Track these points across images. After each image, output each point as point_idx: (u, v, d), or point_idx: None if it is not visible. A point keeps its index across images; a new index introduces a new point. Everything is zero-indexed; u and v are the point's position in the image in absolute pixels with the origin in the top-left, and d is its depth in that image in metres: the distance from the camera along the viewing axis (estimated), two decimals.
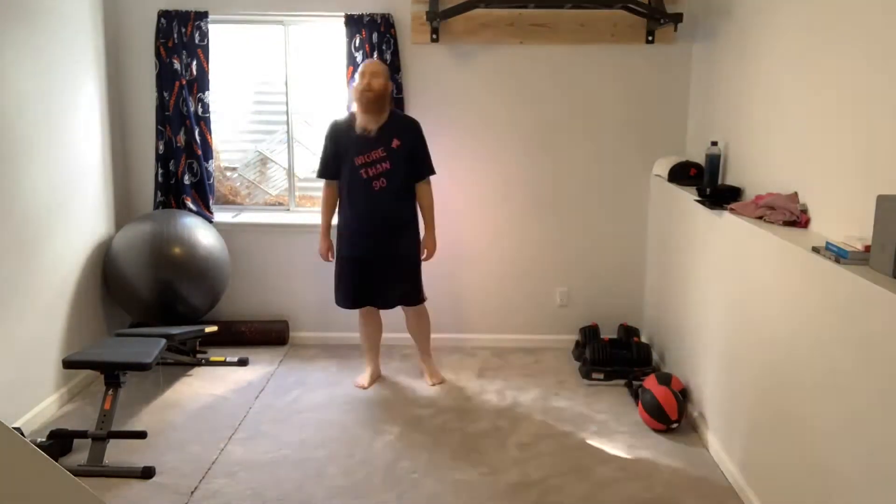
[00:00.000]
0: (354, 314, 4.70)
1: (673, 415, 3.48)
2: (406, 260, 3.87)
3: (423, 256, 3.94)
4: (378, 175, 3.71)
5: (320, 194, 4.78)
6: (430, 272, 4.31)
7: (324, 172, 3.88)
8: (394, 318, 4.51)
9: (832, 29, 2.66)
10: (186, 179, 4.43)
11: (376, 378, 4.12)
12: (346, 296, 3.92)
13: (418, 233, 3.92)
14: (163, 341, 3.57)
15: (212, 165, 4.52)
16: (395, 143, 3.71)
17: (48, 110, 3.67)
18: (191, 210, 4.41)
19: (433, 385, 4.03)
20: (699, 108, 4.20)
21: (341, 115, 3.89)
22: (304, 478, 3.14)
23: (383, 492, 3.04)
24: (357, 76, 3.72)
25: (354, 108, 3.75)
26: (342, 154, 3.77)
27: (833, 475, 2.23)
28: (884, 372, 1.96)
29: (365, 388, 4.00)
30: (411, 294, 3.93)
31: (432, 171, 3.87)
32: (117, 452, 3.24)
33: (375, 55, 4.27)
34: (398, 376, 4.21)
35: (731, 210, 3.11)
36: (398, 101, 4.34)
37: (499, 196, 4.55)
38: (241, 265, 4.60)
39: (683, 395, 3.70)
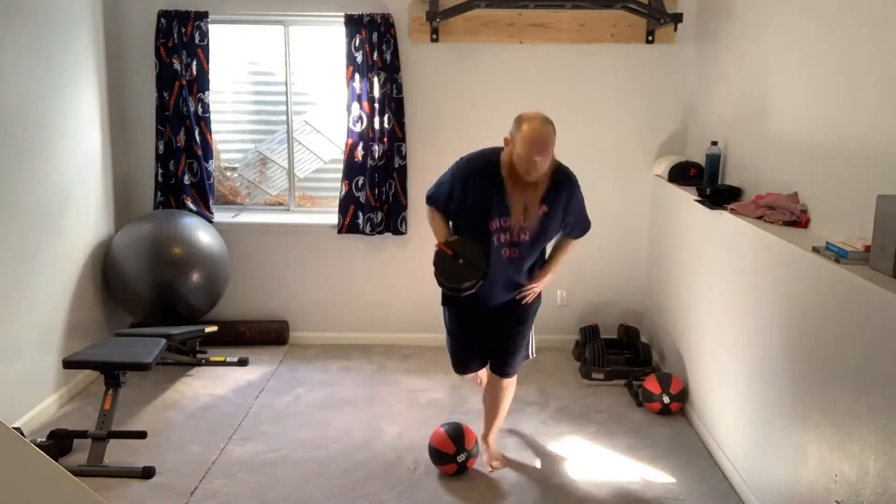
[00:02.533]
0: (355, 315, 4.72)
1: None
2: (522, 323, 3.10)
3: (532, 286, 3.04)
4: (512, 244, 2.88)
5: (320, 194, 4.82)
6: (431, 274, 4.31)
7: (436, 202, 3.01)
8: (395, 318, 4.53)
9: (832, 29, 2.66)
10: (186, 179, 4.43)
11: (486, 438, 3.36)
12: (462, 360, 3.20)
13: (541, 298, 3.16)
14: (163, 341, 3.57)
15: (212, 165, 4.52)
16: (543, 209, 2.83)
17: (48, 110, 3.67)
18: (191, 210, 4.41)
19: (492, 471, 3.23)
20: (699, 108, 4.20)
21: (483, 154, 2.91)
22: (304, 478, 3.14)
23: (383, 492, 3.04)
24: (517, 138, 2.71)
25: (504, 159, 2.82)
26: (473, 209, 2.87)
27: (833, 474, 2.23)
28: (884, 372, 1.96)
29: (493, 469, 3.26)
30: (517, 354, 3.15)
31: (587, 228, 3.05)
32: (117, 452, 3.24)
33: (375, 55, 4.27)
34: (398, 376, 4.21)
35: (731, 210, 3.11)
36: (398, 101, 4.34)
37: None
38: (241, 265, 4.60)
39: (683, 395, 3.71)
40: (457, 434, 3.18)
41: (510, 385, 3.25)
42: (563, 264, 3.14)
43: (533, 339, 3.22)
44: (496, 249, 2.88)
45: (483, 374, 3.39)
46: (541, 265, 3.07)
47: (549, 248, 3.13)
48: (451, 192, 2.92)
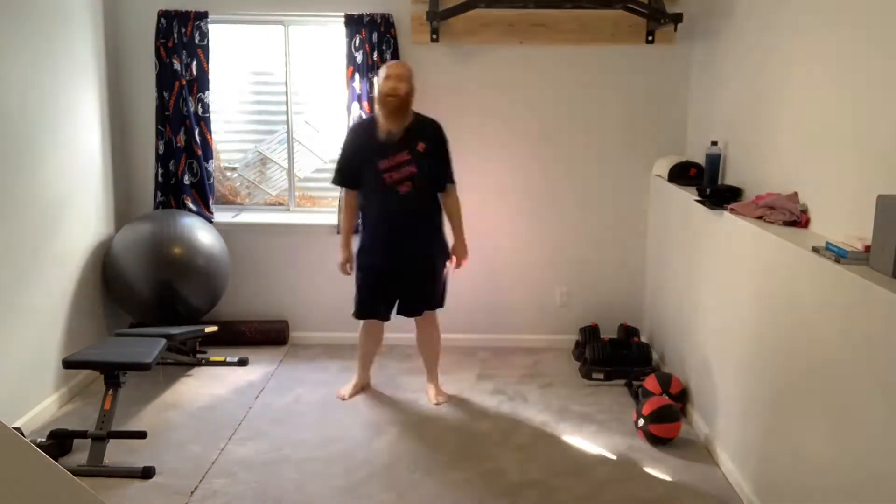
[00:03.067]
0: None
1: None
2: (432, 264, 3.71)
3: (454, 265, 3.80)
4: (403, 179, 3.53)
5: (320, 194, 4.82)
6: None
7: (341, 180, 3.72)
8: (395, 318, 4.50)
9: (832, 29, 2.66)
10: (186, 179, 4.43)
11: (360, 390, 3.98)
12: (368, 308, 3.76)
13: (445, 239, 3.78)
14: (163, 341, 3.57)
15: (212, 165, 4.52)
16: (421, 146, 3.55)
17: (48, 110, 3.67)
18: (191, 210, 4.41)
19: (438, 404, 3.84)
20: (699, 108, 4.20)
21: (361, 119, 3.66)
22: (304, 478, 3.14)
23: (383, 492, 3.04)
24: (380, 78, 3.54)
25: (376, 111, 3.58)
26: (364, 160, 3.58)
27: (833, 474, 2.23)
28: (884, 372, 1.96)
29: (345, 400, 3.86)
30: (433, 298, 3.76)
31: (451, 180, 3.71)
32: (117, 452, 3.24)
33: (375, 55, 4.27)
34: (398, 376, 4.21)
35: (731, 210, 3.11)
36: None
37: (499, 196, 4.54)
38: (241, 265, 4.60)
39: (683, 395, 3.71)
40: None
41: (432, 323, 3.84)
42: (461, 218, 3.76)
43: (446, 291, 3.82)
44: (392, 188, 3.53)
45: (346, 389, 3.93)
46: (437, 209, 3.70)
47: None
48: (347, 159, 3.66)
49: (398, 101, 3.49)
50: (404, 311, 3.78)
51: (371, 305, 3.75)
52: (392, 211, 3.58)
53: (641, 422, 3.42)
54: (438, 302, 3.80)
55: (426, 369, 3.98)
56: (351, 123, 3.70)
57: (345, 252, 3.76)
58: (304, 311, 4.70)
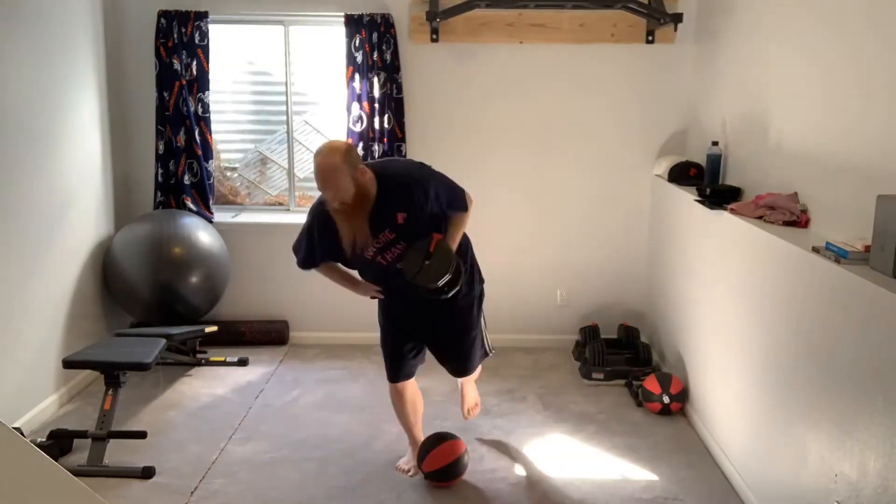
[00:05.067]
0: (355, 315, 4.71)
1: None
2: (463, 318, 3.12)
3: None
4: (398, 258, 2.86)
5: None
6: None
7: (308, 263, 3.04)
8: None
9: (833, 27, 2.66)
10: (186, 179, 4.43)
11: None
12: (398, 364, 3.14)
13: (473, 273, 3.19)
14: (163, 341, 3.57)
15: (212, 165, 4.52)
16: (400, 217, 2.79)
17: (48, 111, 3.67)
18: (191, 210, 4.41)
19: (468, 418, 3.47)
20: (699, 108, 4.20)
21: (321, 206, 2.87)
22: (304, 478, 3.14)
23: (383, 492, 3.04)
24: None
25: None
26: (343, 254, 2.92)
27: (833, 474, 2.23)
28: (884, 371, 1.96)
29: (412, 476, 3.20)
30: (468, 362, 3.21)
31: (459, 208, 2.97)
32: (117, 452, 3.24)
33: (375, 55, 4.27)
34: None
35: (731, 210, 3.11)
36: (398, 101, 4.34)
37: (499, 196, 4.54)
38: (241, 265, 4.60)
39: (683, 395, 3.71)
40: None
41: (471, 377, 3.35)
42: (458, 233, 3.03)
43: (486, 336, 3.27)
44: (389, 268, 2.88)
45: (407, 461, 3.26)
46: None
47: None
48: (315, 246, 2.94)
49: (349, 210, 2.74)
50: (454, 373, 3.27)
51: (398, 360, 3.13)
52: (402, 289, 2.93)
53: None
54: (475, 364, 3.24)
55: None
56: (313, 205, 2.96)
57: (360, 285, 3.09)
58: (304, 311, 4.70)
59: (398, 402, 3.20)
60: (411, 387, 3.21)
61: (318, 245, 2.94)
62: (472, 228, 4.73)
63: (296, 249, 3.05)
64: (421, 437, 3.26)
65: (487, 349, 3.27)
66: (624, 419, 3.68)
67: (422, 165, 2.95)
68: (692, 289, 3.69)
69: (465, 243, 3.13)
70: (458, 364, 3.21)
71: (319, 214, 2.87)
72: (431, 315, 3.04)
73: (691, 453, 3.35)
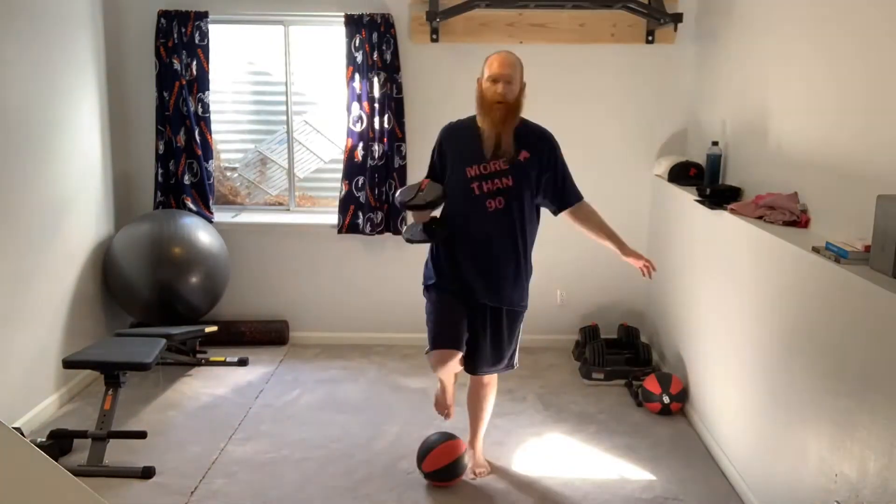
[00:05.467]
0: (355, 315, 4.71)
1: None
2: (508, 311, 3.00)
3: (645, 274, 3.08)
4: (494, 193, 2.83)
5: (320, 194, 4.82)
6: None
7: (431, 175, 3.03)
8: (395, 318, 4.52)
9: (832, 29, 2.66)
10: (186, 179, 4.43)
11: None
12: (446, 334, 2.92)
13: (527, 284, 3.09)
14: (163, 341, 3.57)
15: (212, 165, 4.52)
16: (524, 154, 2.85)
17: (48, 111, 3.67)
18: (191, 210, 4.41)
19: (475, 478, 3.16)
20: (699, 108, 4.20)
21: (458, 120, 3.06)
22: (304, 478, 3.14)
23: (383, 492, 3.04)
24: (485, 71, 2.87)
25: (476, 111, 2.96)
26: (452, 163, 2.93)
27: (833, 474, 2.23)
28: (884, 371, 1.96)
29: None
30: (499, 359, 3.04)
31: (577, 197, 3.03)
32: (117, 452, 3.24)
33: (375, 55, 4.27)
34: (398, 376, 4.21)
35: (731, 210, 3.11)
36: (398, 101, 4.34)
37: None
38: (241, 265, 4.60)
39: (683, 395, 3.71)
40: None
41: (490, 385, 3.14)
42: (613, 231, 3.16)
43: (517, 350, 3.11)
44: (479, 200, 2.84)
45: (450, 396, 3.15)
46: (529, 241, 3.01)
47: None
48: (434, 164, 3.03)
49: (505, 111, 2.84)
50: (465, 363, 3.02)
51: (447, 330, 2.93)
52: (474, 229, 2.88)
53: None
54: (507, 364, 3.07)
55: (470, 429, 3.24)
56: (445, 126, 3.08)
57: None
58: (304, 311, 4.70)
59: (438, 368, 2.94)
60: (452, 358, 2.91)
61: (438, 157, 3.02)
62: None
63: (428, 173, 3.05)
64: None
65: (515, 361, 3.11)
66: (624, 419, 3.68)
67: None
68: (692, 289, 3.69)
69: (531, 246, 3.08)
70: (491, 356, 3.00)
71: (450, 128, 3.04)
72: (484, 313, 2.95)
73: (691, 453, 3.35)
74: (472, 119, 2.98)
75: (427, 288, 3.02)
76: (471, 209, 2.87)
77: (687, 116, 4.40)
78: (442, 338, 2.93)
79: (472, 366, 3.04)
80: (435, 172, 3.02)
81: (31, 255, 3.55)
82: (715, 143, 3.67)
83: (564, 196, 3.00)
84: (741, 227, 2.99)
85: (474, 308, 2.94)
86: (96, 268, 4.15)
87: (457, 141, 2.96)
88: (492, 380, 3.15)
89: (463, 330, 2.93)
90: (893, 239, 2.02)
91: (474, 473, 3.17)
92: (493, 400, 3.20)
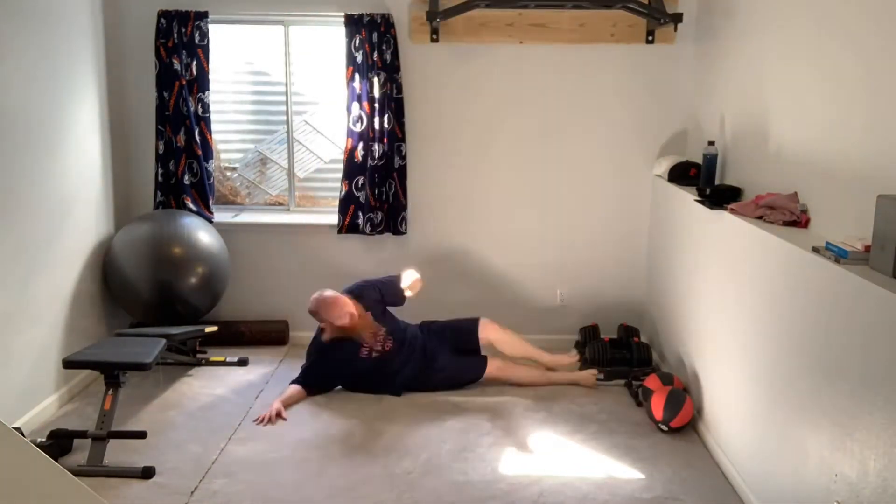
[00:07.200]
0: None
1: None
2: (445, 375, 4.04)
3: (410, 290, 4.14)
4: (382, 344, 3.98)
5: (320, 194, 4.82)
6: (431, 273, 4.32)
7: (314, 390, 3.96)
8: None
9: (832, 29, 2.66)
10: (186, 179, 4.43)
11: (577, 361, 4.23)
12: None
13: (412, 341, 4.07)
14: (163, 341, 3.57)
15: (212, 165, 4.52)
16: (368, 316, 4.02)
17: (48, 111, 3.67)
18: (191, 210, 4.41)
19: (600, 378, 4.07)
20: (699, 108, 4.20)
21: (321, 337, 3.99)
22: (304, 478, 3.14)
23: (383, 492, 3.04)
24: (327, 322, 3.93)
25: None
26: (351, 364, 3.98)
27: (833, 474, 2.23)
28: (884, 371, 1.96)
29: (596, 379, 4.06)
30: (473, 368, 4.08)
31: (399, 298, 4.15)
32: (117, 452, 3.23)
33: (375, 55, 4.27)
34: None
35: (731, 210, 3.11)
36: (398, 101, 4.34)
37: (499, 196, 4.54)
38: (241, 265, 4.60)
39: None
40: None
41: (491, 328, 4.16)
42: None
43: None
44: (375, 362, 3.94)
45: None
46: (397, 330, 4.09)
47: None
48: (321, 375, 3.97)
49: (359, 322, 3.93)
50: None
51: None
52: (383, 380, 3.98)
53: (665, 428, 3.51)
54: (480, 370, 4.05)
55: (538, 360, 4.15)
56: (315, 342, 4.06)
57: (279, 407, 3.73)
58: (304, 311, 4.68)
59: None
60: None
61: (332, 370, 3.97)
62: (472, 227, 4.72)
63: (306, 377, 3.97)
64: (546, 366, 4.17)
65: (482, 356, 4.14)
66: (624, 419, 3.68)
67: (363, 282, 4.18)
68: (692, 289, 3.69)
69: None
70: (461, 369, 4.12)
71: (328, 344, 3.95)
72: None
73: (691, 453, 3.35)
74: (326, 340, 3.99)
75: None
76: (371, 370, 4.00)
77: (687, 116, 4.40)
78: None
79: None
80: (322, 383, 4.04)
81: (31, 254, 3.55)
82: (711, 143, 3.67)
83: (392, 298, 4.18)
84: (741, 227, 2.99)
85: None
86: (96, 268, 4.15)
87: (335, 357, 3.99)
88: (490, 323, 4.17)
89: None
90: (893, 239, 2.02)
91: (594, 379, 4.03)
92: (507, 331, 4.16)
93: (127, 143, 4.51)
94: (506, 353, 4.09)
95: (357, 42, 4.29)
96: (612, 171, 4.50)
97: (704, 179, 3.68)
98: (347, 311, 3.86)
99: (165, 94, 4.34)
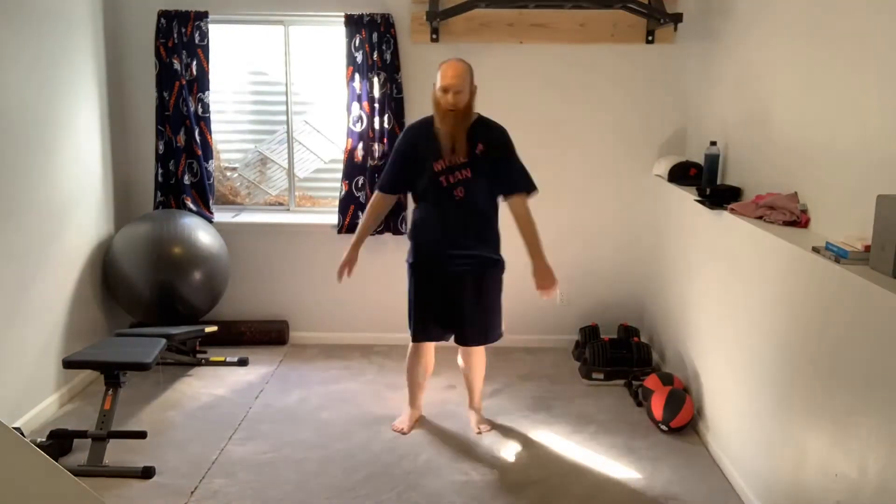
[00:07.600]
0: (355, 315, 4.71)
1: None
2: (485, 285, 3.35)
3: (543, 294, 3.37)
4: (457, 183, 3.22)
5: (320, 194, 4.82)
6: None
7: (387, 186, 3.39)
8: (395, 318, 4.52)
9: (831, 29, 2.66)
10: (186, 179, 4.43)
11: (416, 420, 3.64)
12: (422, 328, 3.40)
13: (500, 255, 3.41)
14: (163, 341, 3.57)
15: (212, 165, 4.52)
16: (479, 147, 3.23)
17: (48, 111, 3.67)
18: (191, 210, 4.41)
19: (479, 433, 3.53)
20: (699, 108, 4.20)
21: (418, 120, 3.44)
22: (304, 478, 3.14)
23: (383, 492, 3.04)
24: (437, 83, 3.20)
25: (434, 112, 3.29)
26: (419, 162, 3.28)
27: (833, 474, 2.23)
28: (884, 371, 1.96)
29: (405, 433, 3.52)
30: (486, 331, 3.41)
31: (531, 186, 3.31)
32: (117, 452, 3.23)
33: (375, 55, 4.27)
34: (398, 376, 4.20)
35: (731, 210, 3.11)
36: (398, 101, 4.34)
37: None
38: (241, 265, 4.60)
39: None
40: None
41: (479, 353, 3.50)
42: (537, 234, 3.33)
43: (502, 317, 3.45)
44: (447, 191, 3.24)
45: (403, 422, 3.58)
46: (494, 223, 3.36)
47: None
48: (399, 164, 3.35)
49: (456, 115, 3.19)
50: (457, 339, 3.45)
51: (425, 325, 3.40)
52: (448, 215, 3.27)
53: (665, 428, 3.51)
54: (495, 335, 3.44)
55: (468, 394, 3.65)
56: (407, 126, 3.52)
57: (352, 253, 3.41)
58: (304, 311, 4.70)
59: (413, 360, 3.52)
60: (430, 351, 3.53)
61: (402, 159, 3.34)
62: None
63: (382, 178, 3.44)
64: (421, 403, 3.66)
65: (502, 330, 3.48)
66: (624, 419, 3.68)
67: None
68: (692, 289, 3.69)
69: (496, 225, 3.39)
70: (479, 328, 3.40)
71: (413, 130, 3.41)
72: (463, 275, 3.31)
73: (691, 453, 3.35)
74: (428, 118, 3.36)
75: (409, 266, 3.41)
76: (441, 198, 3.27)
77: (687, 116, 4.40)
78: (420, 334, 3.43)
79: (462, 338, 3.44)
80: (396, 170, 3.37)
81: (31, 255, 3.55)
82: (714, 144, 3.67)
83: (511, 183, 3.30)
84: (741, 227, 2.99)
85: (454, 280, 3.31)
86: (96, 268, 4.15)
87: (423, 140, 3.31)
88: (479, 349, 3.51)
89: (439, 319, 3.39)
90: (893, 239, 2.02)
91: (479, 430, 3.54)
92: (483, 363, 3.57)
93: (127, 143, 4.51)
94: (470, 377, 3.60)
95: (357, 42, 4.29)
96: (611, 170, 4.50)
97: (706, 179, 3.68)
98: (468, 84, 3.19)
99: (165, 94, 4.34)
